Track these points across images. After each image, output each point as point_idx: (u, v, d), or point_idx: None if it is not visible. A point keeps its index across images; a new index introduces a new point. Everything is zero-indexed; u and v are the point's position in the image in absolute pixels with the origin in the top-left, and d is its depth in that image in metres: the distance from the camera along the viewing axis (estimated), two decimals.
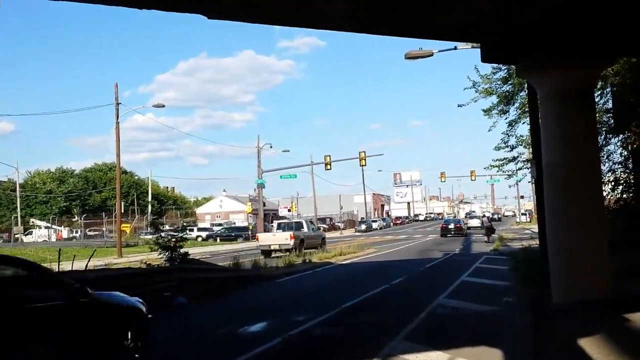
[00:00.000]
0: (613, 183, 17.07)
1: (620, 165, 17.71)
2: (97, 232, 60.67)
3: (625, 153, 17.75)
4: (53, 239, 58.83)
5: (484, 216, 55.41)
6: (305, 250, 28.61)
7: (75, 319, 6.74)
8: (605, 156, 17.72)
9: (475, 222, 62.17)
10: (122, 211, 44.03)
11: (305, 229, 32.32)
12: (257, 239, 33.01)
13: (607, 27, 9.56)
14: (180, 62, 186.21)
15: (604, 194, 14.31)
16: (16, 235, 56.92)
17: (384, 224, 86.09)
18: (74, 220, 72.50)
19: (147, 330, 7.69)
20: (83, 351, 6.84)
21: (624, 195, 17.00)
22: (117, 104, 36.27)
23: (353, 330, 9.64)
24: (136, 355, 7.22)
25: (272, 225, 37.89)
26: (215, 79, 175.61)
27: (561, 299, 9.64)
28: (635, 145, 16.61)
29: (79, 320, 6.77)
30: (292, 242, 28.91)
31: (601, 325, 8.12)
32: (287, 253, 26.26)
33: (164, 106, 39.66)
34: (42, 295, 6.63)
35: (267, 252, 29.32)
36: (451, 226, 47.57)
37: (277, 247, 29.15)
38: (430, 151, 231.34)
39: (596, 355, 6.73)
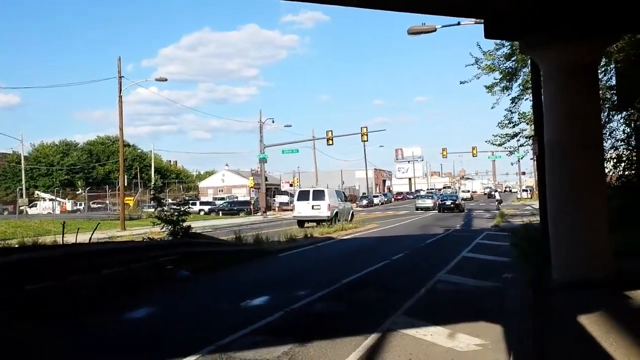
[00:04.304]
0: (615, 160, 17.03)
1: (622, 143, 17.68)
2: (100, 205, 60.96)
3: (628, 130, 17.72)
4: (57, 211, 58.83)
5: (495, 191, 76.14)
6: (310, 224, 29.36)
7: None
8: (607, 133, 17.68)
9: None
10: (125, 184, 44.06)
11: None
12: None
13: (611, 3, 9.48)
14: (184, 35, 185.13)
15: (606, 171, 14.28)
16: (21, 208, 57.06)
17: (386, 199, 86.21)
18: (77, 192, 72.72)
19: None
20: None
21: (626, 173, 16.98)
22: (120, 77, 36.12)
23: (354, 305, 9.71)
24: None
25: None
26: (219, 53, 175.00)
27: (561, 276, 9.72)
28: (638, 122, 16.55)
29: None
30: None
31: (601, 302, 8.19)
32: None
33: (166, 80, 40.14)
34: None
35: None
36: (493, 194, 65.47)
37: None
38: (432, 127, 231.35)
39: (596, 332, 6.79)
